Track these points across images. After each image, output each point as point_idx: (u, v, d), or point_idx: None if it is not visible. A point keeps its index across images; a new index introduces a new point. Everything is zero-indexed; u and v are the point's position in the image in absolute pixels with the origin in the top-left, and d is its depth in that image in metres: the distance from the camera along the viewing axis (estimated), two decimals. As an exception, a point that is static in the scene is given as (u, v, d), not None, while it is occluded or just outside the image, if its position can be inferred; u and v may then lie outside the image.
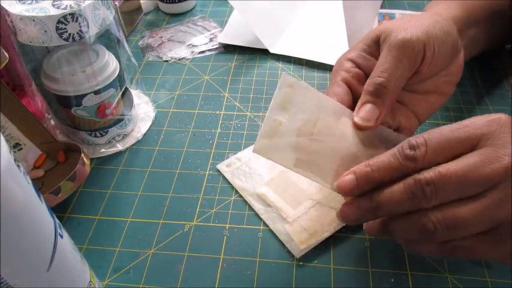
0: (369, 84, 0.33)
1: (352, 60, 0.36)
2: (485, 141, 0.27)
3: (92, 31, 0.38)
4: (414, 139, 0.28)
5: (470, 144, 0.27)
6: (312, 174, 0.32)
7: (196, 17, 0.68)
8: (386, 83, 0.32)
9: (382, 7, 0.66)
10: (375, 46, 0.35)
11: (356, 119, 0.32)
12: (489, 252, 0.28)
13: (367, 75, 0.35)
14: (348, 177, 0.30)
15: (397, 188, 0.28)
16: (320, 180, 0.32)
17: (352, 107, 0.34)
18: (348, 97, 0.35)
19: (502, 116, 0.27)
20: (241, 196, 0.41)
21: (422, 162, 0.27)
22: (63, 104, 0.43)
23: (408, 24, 0.34)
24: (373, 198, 0.29)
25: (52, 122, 0.48)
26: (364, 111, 0.32)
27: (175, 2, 0.67)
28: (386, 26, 0.35)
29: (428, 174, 0.26)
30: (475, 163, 0.26)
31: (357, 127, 0.32)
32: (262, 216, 0.39)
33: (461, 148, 0.27)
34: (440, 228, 0.26)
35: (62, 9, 0.36)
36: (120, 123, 0.47)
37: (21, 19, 0.36)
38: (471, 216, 0.26)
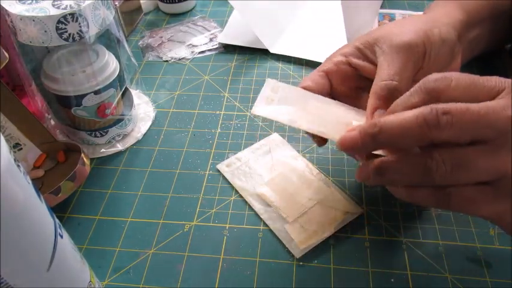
0: (382, 89, 0.32)
1: (345, 55, 0.37)
2: (508, 93, 0.25)
3: (92, 31, 0.38)
4: (439, 73, 0.27)
5: (494, 92, 0.26)
6: (315, 126, 0.33)
7: (196, 17, 0.68)
8: (400, 87, 0.32)
9: (382, 7, 0.66)
10: (370, 48, 0.36)
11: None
12: (485, 207, 0.26)
13: (357, 72, 0.37)
14: (351, 133, 0.29)
15: (408, 113, 0.26)
16: (324, 130, 0.32)
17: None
18: (324, 89, 0.36)
19: None
20: (241, 196, 0.41)
21: (444, 97, 0.26)
22: (63, 104, 0.43)
23: (408, 29, 0.34)
24: (377, 123, 0.27)
25: (52, 122, 0.48)
26: (379, 116, 0.32)
27: (175, 2, 0.67)
28: (385, 30, 0.35)
29: (447, 105, 0.25)
30: (498, 106, 0.24)
31: None
32: (262, 216, 0.39)
33: (485, 94, 0.26)
34: (443, 167, 0.25)
35: (62, 9, 0.36)
36: (120, 123, 0.47)
37: (21, 19, 0.36)
38: (478, 159, 0.25)
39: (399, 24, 0.36)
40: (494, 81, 0.26)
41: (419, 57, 0.33)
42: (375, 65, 0.35)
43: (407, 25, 0.35)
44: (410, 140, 0.26)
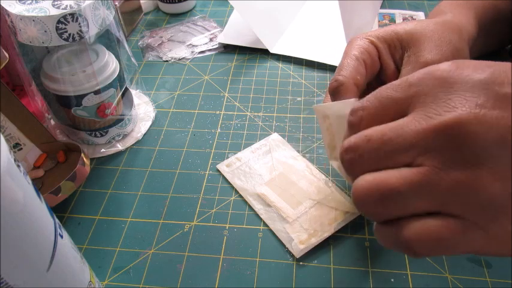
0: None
1: (374, 44, 0.35)
2: (418, 100, 0.22)
3: (92, 31, 0.38)
4: (358, 101, 0.25)
5: (406, 104, 0.23)
6: None
7: (196, 17, 0.68)
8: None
9: (382, 7, 0.66)
10: (397, 45, 0.35)
11: None
12: (464, 244, 0.21)
13: (380, 66, 0.35)
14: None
15: None
16: None
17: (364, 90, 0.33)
18: (363, 80, 0.34)
19: (441, 67, 0.22)
20: (241, 196, 0.41)
21: (359, 129, 0.24)
22: (63, 104, 0.43)
23: (435, 44, 0.33)
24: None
25: (52, 122, 0.48)
26: None
27: (175, 2, 0.67)
28: (413, 28, 0.34)
29: (348, 140, 0.23)
30: (401, 124, 0.22)
31: None
32: (262, 216, 0.39)
33: (397, 110, 0.23)
34: (371, 195, 0.22)
35: (62, 9, 0.36)
36: (120, 123, 0.47)
37: (21, 19, 0.36)
38: (401, 183, 0.21)
39: (426, 30, 0.34)
40: (402, 89, 0.23)
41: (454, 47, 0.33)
42: (397, 68, 0.34)
43: (436, 37, 0.34)
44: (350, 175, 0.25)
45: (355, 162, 0.23)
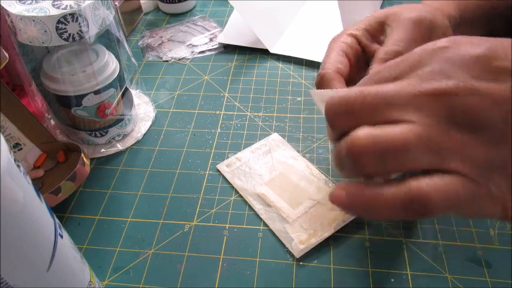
0: (383, 54, 0.32)
1: (354, 36, 0.35)
2: (416, 71, 0.23)
3: (92, 31, 0.38)
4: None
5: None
6: None
7: (196, 17, 0.68)
8: (403, 51, 0.31)
9: (382, 7, 0.66)
10: (378, 27, 0.35)
11: None
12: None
13: (366, 55, 0.35)
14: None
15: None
16: None
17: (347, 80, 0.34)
18: (346, 69, 0.34)
19: (439, 42, 0.23)
20: (241, 196, 0.41)
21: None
22: (63, 104, 0.43)
23: (417, 7, 0.34)
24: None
25: (52, 122, 0.48)
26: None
27: (175, 2, 0.67)
28: (393, 9, 0.35)
29: (348, 90, 0.24)
30: (397, 85, 0.22)
31: None
32: (262, 216, 0.39)
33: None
34: (371, 149, 0.22)
35: (62, 9, 0.36)
36: (120, 123, 0.47)
37: (21, 19, 0.36)
38: (403, 137, 0.21)
39: (403, 6, 0.35)
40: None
41: (426, 35, 0.32)
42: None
43: (412, 7, 0.34)
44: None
45: (348, 114, 0.23)
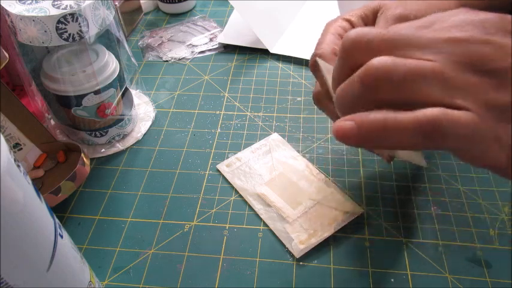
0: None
1: (349, 21, 0.36)
2: (433, 27, 0.24)
3: (92, 31, 0.38)
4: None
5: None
6: None
7: (196, 17, 0.68)
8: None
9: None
10: (372, 17, 0.36)
11: None
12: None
13: None
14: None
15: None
16: None
17: None
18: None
19: (455, 10, 0.24)
20: (241, 196, 0.41)
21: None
22: (63, 104, 0.43)
23: (409, 3, 0.34)
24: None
25: (52, 122, 0.48)
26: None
27: (175, 2, 0.67)
28: (386, 1, 0.35)
29: (367, 28, 0.24)
30: (414, 28, 0.24)
31: None
32: (262, 216, 0.39)
33: None
34: (390, 73, 0.22)
35: (62, 9, 0.36)
36: (120, 123, 0.47)
37: (21, 19, 0.36)
38: (421, 68, 0.22)
39: (398, 1, 0.36)
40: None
41: None
42: None
43: (405, 2, 0.35)
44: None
45: (367, 48, 0.23)
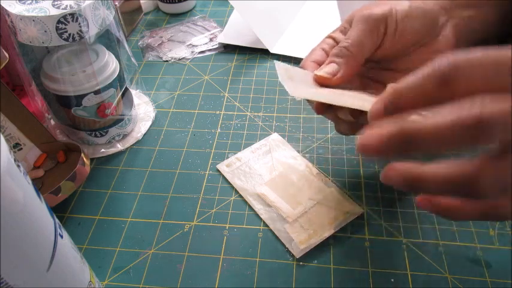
0: (334, 48, 0.36)
1: (332, 38, 0.39)
2: None
3: (92, 31, 0.38)
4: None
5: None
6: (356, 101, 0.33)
7: (196, 17, 0.68)
8: (349, 46, 0.35)
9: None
10: (348, 27, 0.38)
11: (318, 72, 0.35)
12: None
13: None
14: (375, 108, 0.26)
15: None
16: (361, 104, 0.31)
17: None
18: (323, 59, 0.38)
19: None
20: (241, 196, 0.41)
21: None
22: (63, 104, 0.43)
23: (374, 5, 0.36)
24: (408, 128, 0.23)
25: (52, 122, 0.48)
26: (327, 67, 0.35)
27: (175, 2, 0.67)
28: (358, 10, 0.38)
29: (452, 56, 0.23)
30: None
31: (318, 80, 0.35)
32: (262, 216, 0.39)
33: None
34: (495, 184, 0.21)
35: (62, 9, 0.36)
36: (120, 123, 0.47)
37: (21, 19, 0.36)
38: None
39: (369, 5, 0.38)
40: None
41: (378, 25, 0.35)
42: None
43: (376, 3, 0.37)
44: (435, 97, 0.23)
45: (458, 77, 0.22)
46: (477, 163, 0.23)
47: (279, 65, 0.36)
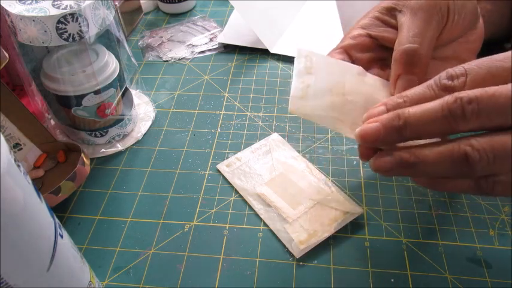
0: (401, 54, 0.31)
1: (363, 27, 0.36)
2: None
3: (92, 31, 0.38)
4: (453, 69, 0.26)
5: None
6: (348, 130, 0.32)
7: (196, 17, 0.68)
8: (420, 49, 0.31)
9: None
10: (388, 14, 0.35)
11: (393, 92, 0.32)
12: None
13: (378, 42, 0.36)
14: (377, 109, 0.28)
15: (432, 104, 0.25)
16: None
17: None
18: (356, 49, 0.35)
19: None
20: (241, 196, 0.41)
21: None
22: (63, 104, 0.43)
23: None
24: (401, 115, 0.26)
25: (52, 122, 0.48)
26: (402, 83, 0.31)
27: (175, 2, 0.67)
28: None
29: (472, 92, 0.23)
30: None
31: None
32: (262, 216, 0.39)
33: (505, 78, 0.24)
34: (485, 157, 0.23)
35: (62, 9, 0.36)
36: (120, 123, 0.47)
37: (21, 19, 0.36)
38: None
39: None
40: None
41: (442, 15, 0.32)
42: (397, 30, 0.34)
43: None
44: (437, 132, 0.25)
45: (470, 116, 0.23)
46: (470, 137, 0.24)
47: (300, 52, 0.32)
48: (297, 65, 0.32)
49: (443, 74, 0.26)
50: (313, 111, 0.32)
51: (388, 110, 0.27)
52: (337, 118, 0.32)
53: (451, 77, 0.26)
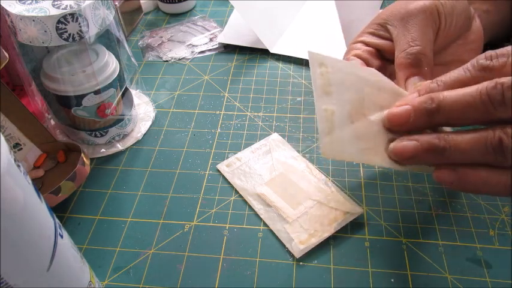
0: (404, 57, 0.31)
1: (362, 42, 0.36)
2: None
3: (92, 31, 0.38)
4: (493, 50, 0.24)
5: None
6: (379, 159, 0.29)
7: (196, 17, 0.68)
8: (423, 50, 0.30)
9: (382, 7, 0.66)
10: (381, 29, 0.35)
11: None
12: None
13: (379, 52, 0.36)
14: (411, 96, 0.27)
15: (469, 89, 0.23)
16: (390, 163, 0.29)
17: None
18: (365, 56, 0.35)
19: None
20: (241, 196, 0.41)
21: (500, 75, 0.23)
22: (63, 104, 0.43)
23: (410, 1, 0.34)
24: (435, 98, 0.24)
25: (52, 122, 0.48)
26: (412, 84, 0.30)
27: (175, 2, 0.67)
28: (392, 7, 0.35)
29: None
30: None
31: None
32: (262, 216, 0.39)
33: None
34: None
35: (62, 9, 0.36)
36: (120, 123, 0.47)
37: (21, 19, 0.36)
38: None
39: (403, 1, 0.35)
40: None
41: (434, 18, 0.32)
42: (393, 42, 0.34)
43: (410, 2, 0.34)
44: (471, 118, 0.24)
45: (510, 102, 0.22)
46: (505, 125, 0.23)
47: (312, 57, 0.30)
48: (313, 76, 0.30)
49: (481, 55, 0.25)
50: (344, 150, 0.29)
51: (420, 96, 0.26)
52: (365, 148, 0.29)
53: (490, 57, 0.24)
